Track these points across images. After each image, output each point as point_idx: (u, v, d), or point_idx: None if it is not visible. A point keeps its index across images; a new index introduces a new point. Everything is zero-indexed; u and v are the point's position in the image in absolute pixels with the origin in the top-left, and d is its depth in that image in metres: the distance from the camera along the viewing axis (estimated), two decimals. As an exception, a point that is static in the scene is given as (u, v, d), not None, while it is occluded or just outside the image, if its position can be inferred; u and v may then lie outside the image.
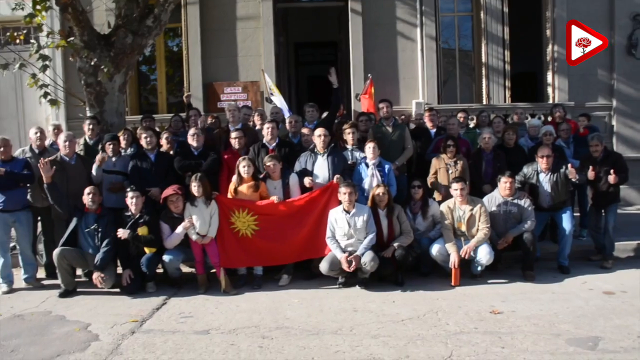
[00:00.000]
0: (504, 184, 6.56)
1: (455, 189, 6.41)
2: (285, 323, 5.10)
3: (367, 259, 5.98)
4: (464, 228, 6.39)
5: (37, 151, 6.93)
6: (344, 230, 6.18)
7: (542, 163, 6.78)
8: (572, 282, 6.28)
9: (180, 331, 4.97)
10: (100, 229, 6.21)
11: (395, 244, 6.20)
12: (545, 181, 6.78)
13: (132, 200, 6.25)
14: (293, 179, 6.57)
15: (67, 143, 6.63)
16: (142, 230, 6.18)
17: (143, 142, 6.92)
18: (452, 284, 6.16)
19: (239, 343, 4.63)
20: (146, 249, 6.26)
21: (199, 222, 6.25)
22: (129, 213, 6.31)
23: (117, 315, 5.43)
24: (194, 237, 6.24)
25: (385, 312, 5.33)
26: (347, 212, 6.18)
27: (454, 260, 6.18)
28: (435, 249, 6.39)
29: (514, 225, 6.52)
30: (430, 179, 7.10)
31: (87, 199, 6.24)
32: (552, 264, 6.83)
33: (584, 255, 7.25)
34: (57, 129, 7.63)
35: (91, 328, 5.10)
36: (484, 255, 6.22)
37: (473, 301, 5.60)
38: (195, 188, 6.24)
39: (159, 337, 4.84)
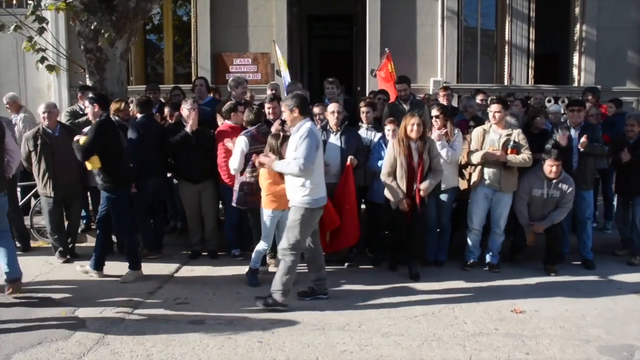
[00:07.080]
0: (549, 166, 5.91)
1: (491, 110, 5.97)
2: (288, 315, 4.70)
3: None
4: (496, 151, 5.87)
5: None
6: None
7: (572, 117, 6.32)
8: (597, 279, 5.85)
9: (174, 320, 4.59)
10: None
11: (424, 185, 5.63)
12: (575, 137, 6.25)
13: None
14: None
15: (46, 114, 6.04)
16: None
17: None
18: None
19: (237, 337, 4.25)
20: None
21: None
22: None
23: (107, 301, 5.02)
24: None
25: (397, 307, 4.92)
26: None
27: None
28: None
29: (552, 211, 6.03)
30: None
31: None
32: (574, 257, 6.36)
33: (609, 250, 6.76)
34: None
35: (78, 312, 4.73)
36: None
37: (492, 297, 5.19)
38: None
39: (150, 325, 4.46)
